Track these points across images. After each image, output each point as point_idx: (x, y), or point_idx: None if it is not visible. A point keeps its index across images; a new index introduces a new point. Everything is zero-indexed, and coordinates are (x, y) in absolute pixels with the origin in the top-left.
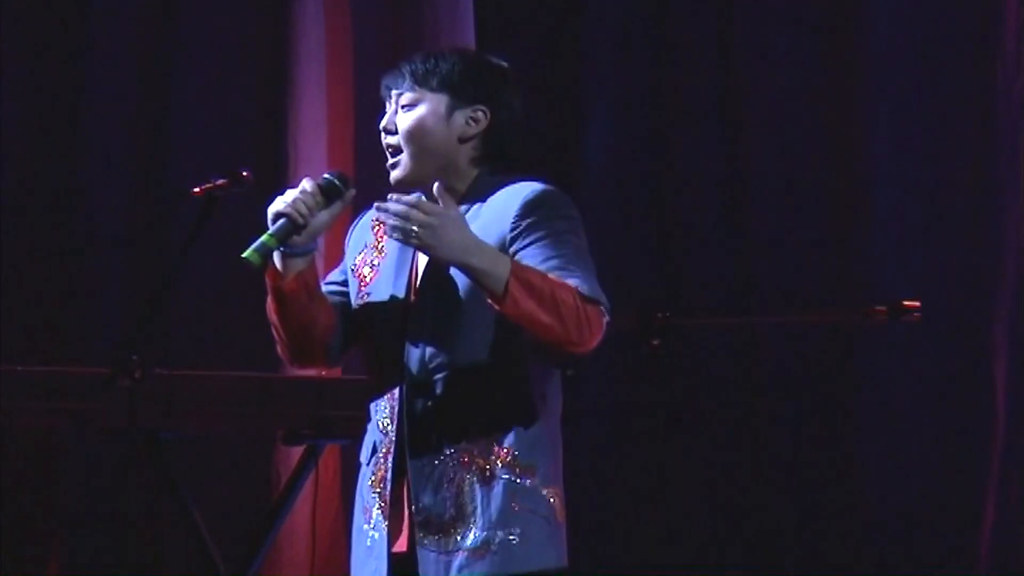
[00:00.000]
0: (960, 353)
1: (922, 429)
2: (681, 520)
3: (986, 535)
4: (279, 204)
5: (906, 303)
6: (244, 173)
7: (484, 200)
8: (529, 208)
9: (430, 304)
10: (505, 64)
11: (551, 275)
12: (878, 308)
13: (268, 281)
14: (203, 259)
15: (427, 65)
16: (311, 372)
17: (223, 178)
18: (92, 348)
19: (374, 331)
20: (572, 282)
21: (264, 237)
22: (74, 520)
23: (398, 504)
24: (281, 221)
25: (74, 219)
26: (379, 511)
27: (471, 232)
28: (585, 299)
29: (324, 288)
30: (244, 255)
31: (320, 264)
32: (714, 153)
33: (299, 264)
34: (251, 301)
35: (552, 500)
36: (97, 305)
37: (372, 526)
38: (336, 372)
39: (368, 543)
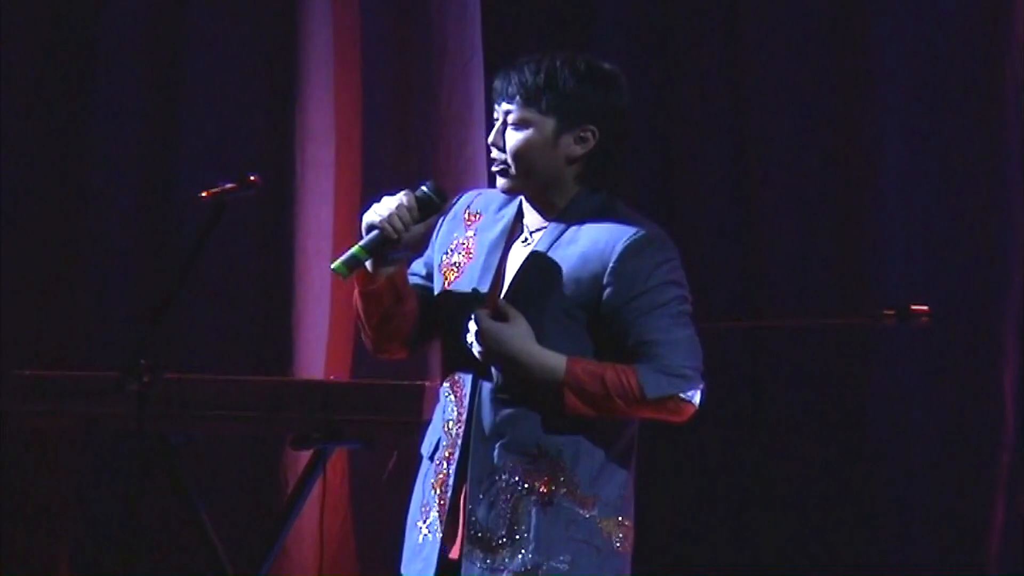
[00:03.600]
0: (969, 356)
1: (931, 432)
2: (689, 522)
3: (996, 537)
4: (374, 215)
5: (915, 307)
6: (252, 178)
7: (582, 222)
8: (627, 259)
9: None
10: (616, 72)
11: (638, 350)
12: (887, 312)
13: (357, 285)
14: (212, 263)
15: (538, 81)
16: (397, 358)
17: (232, 183)
18: (102, 352)
19: (452, 332)
20: (650, 369)
21: (355, 249)
22: (84, 523)
23: (455, 511)
24: (374, 234)
25: (83, 223)
26: (436, 513)
27: (524, 339)
28: (661, 399)
29: (411, 279)
30: (333, 266)
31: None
32: (723, 156)
33: (389, 270)
34: (260, 305)
35: (611, 531)
36: (106, 309)
37: (427, 525)
38: (345, 375)
39: (420, 540)
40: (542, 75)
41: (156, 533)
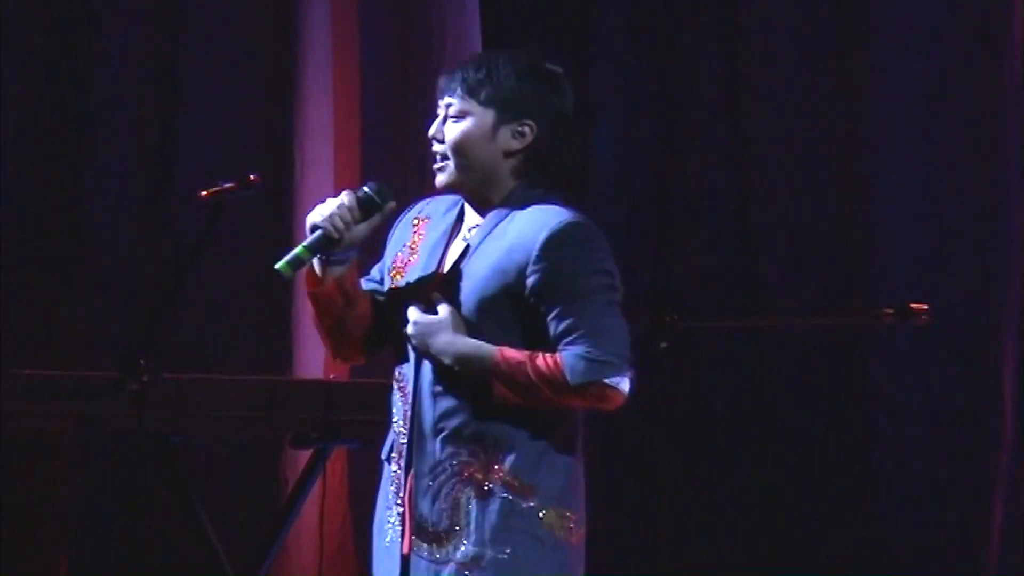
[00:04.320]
0: (968, 355)
1: (930, 431)
2: (688, 523)
3: (995, 537)
4: (316, 216)
5: (914, 306)
6: (252, 177)
7: (514, 216)
8: (550, 247)
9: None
10: (558, 72)
11: (562, 338)
12: (886, 311)
13: (306, 286)
14: (211, 262)
15: (479, 75)
16: (355, 363)
17: (231, 182)
18: (100, 352)
19: (395, 330)
20: (574, 356)
21: (298, 249)
22: (83, 523)
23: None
24: (317, 233)
25: (82, 223)
26: (398, 513)
27: (452, 332)
28: (583, 385)
29: (364, 284)
30: (276, 267)
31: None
32: (722, 155)
33: (337, 271)
34: (259, 305)
35: (554, 522)
36: (105, 309)
37: (392, 525)
38: (344, 375)
39: (387, 541)
40: (483, 70)
41: (156, 533)
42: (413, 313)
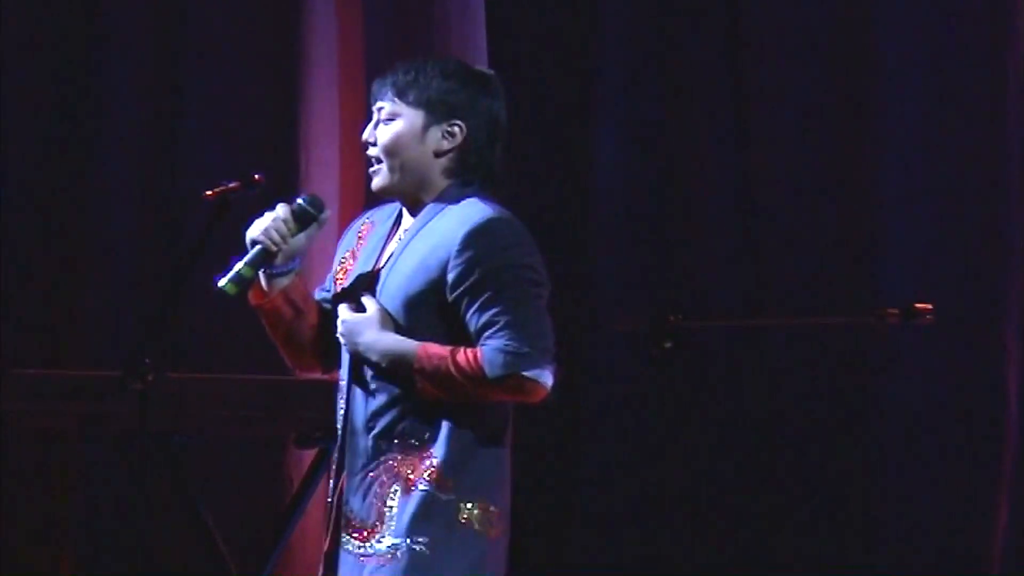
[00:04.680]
0: (972, 355)
1: (934, 431)
2: (694, 523)
3: (998, 537)
4: (255, 231)
5: (918, 305)
6: (256, 176)
7: (443, 214)
8: (470, 242)
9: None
10: (488, 74)
11: (482, 332)
12: (890, 310)
13: (252, 300)
14: (215, 262)
15: (408, 78)
16: (315, 375)
17: (235, 181)
18: (104, 352)
19: (335, 332)
20: (493, 349)
21: (239, 266)
22: (86, 523)
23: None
24: (256, 249)
25: (86, 222)
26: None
27: (377, 331)
28: (501, 377)
29: (316, 295)
30: (220, 284)
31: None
32: (726, 156)
33: (282, 282)
34: None
35: (473, 514)
36: (109, 309)
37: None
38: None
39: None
40: (412, 72)
41: (160, 533)
42: (343, 312)
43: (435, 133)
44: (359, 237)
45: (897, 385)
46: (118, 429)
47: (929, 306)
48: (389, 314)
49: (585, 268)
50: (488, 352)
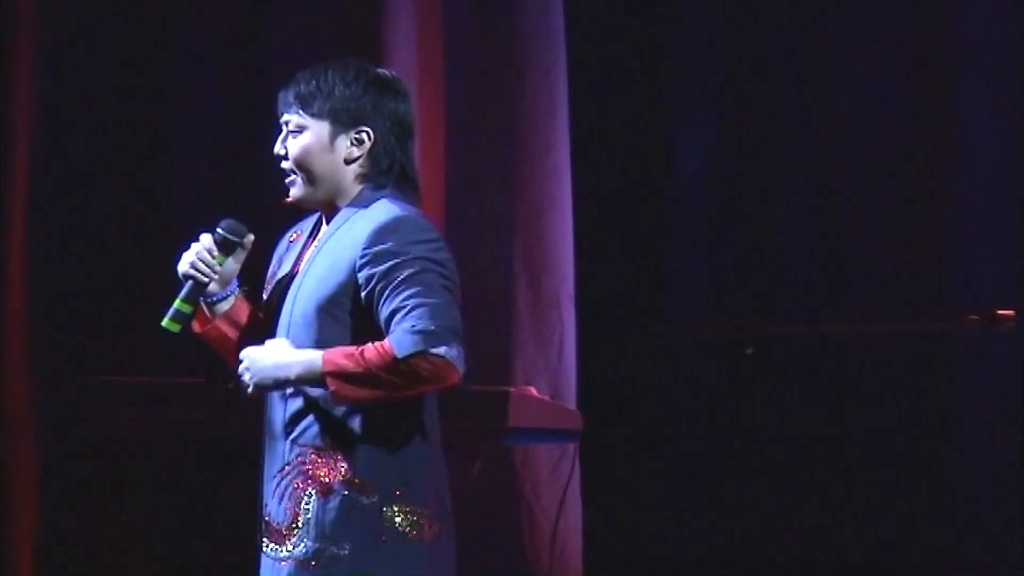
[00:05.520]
0: None
1: (1016, 440)
2: (776, 525)
3: None
4: (183, 264)
5: (1000, 312)
6: None
7: (356, 217)
8: (377, 239)
9: (294, 316)
10: (388, 76)
11: (391, 319)
12: (972, 317)
13: (196, 327)
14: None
15: (309, 88)
16: None
17: None
18: (187, 360)
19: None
20: (400, 331)
21: (176, 303)
22: (169, 529)
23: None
24: (189, 284)
25: (165, 232)
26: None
27: (279, 352)
28: (411, 356)
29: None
30: (162, 324)
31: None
32: (806, 161)
33: (223, 308)
34: None
35: (397, 519)
36: None
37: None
38: None
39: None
40: (313, 82)
41: (242, 538)
42: (244, 355)
43: (343, 142)
44: (289, 245)
45: (978, 393)
46: (202, 435)
47: (1011, 312)
48: (301, 319)
49: (662, 270)
50: (396, 334)
